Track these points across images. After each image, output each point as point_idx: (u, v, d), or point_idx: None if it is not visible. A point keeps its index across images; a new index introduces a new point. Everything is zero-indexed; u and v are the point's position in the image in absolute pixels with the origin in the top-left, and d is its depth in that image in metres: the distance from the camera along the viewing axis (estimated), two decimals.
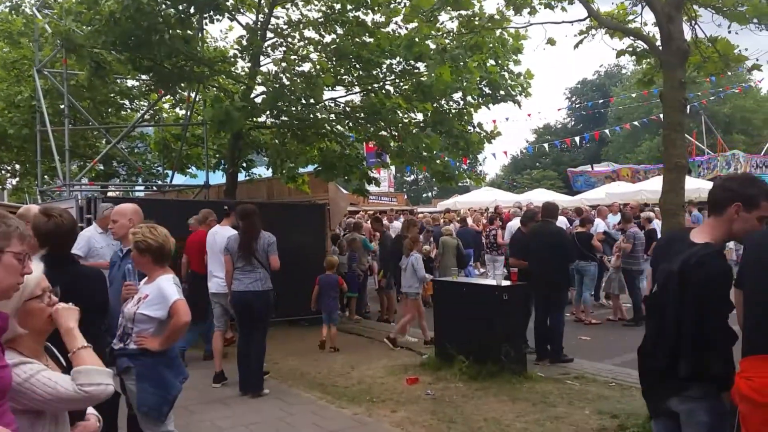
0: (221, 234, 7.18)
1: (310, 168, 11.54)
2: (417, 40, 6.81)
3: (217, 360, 7.15)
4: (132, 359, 3.79)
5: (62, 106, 11.95)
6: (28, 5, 16.35)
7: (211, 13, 9.59)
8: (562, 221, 13.55)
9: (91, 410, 2.47)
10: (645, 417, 5.17)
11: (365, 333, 9.82)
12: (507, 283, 7.18)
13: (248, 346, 6.65)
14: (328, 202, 11.49)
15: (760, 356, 2.40)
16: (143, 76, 11.68)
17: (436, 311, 7.93)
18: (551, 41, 6.91)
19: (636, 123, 30.73)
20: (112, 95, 14.52)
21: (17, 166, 20.95)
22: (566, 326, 10.07)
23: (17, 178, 23.26)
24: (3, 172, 23.18)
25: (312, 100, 9.64)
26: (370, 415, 5.76)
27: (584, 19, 6.31)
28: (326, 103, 10.58)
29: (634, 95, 31.99)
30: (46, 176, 14.00)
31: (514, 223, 13.73)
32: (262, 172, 14.69)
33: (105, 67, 9.88)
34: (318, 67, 10.31)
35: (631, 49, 6.97)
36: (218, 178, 13.51)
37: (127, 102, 15.55)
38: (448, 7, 6.56)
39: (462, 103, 10.60)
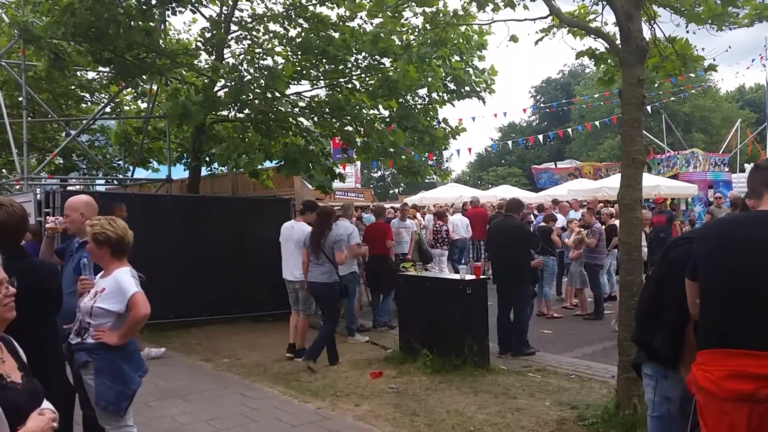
0: (296, 228, 7.99)
1: (272, 164, 11.45)
2: (382, 35, 6.81)
3: (292, 333, 7.93)
4: (90, 353, 3.71)
5: (20, 98, 11.64)
6: None
7: (174, 4, 9.44)
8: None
9: (46, 404, 2.42)
10: (603, 408, 5.30)
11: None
12: (470, 277, 7.24)
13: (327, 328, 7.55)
14: (294, 196, 11.44)
15: (717, 350, 2.46)
16: (104, 68, 11.43)
17: (400, 305, 7.97)
18: (514, 38, 6.96)
19: (597, 123, 31.26)
20: (71, 87, 14.19)
21: None
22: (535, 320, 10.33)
23: None
24: None
25: (276, 93, 9.57)
26: (334, 409, 5.76)
27: (546, 17, 6.37)
28: (290, 97, 10.52)
29: (597, 95, 32.53)
30: (3, 170, 13.65)
31: (456, 218, 14.03)
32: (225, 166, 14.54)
33: (64, 59, 9.66)
34: (281, 61, 10.24)
35: (590, 51, 7.08)
36: (181, 172, 13.33)
37: (87, 94, 15.21)
38: (413, 3, 6.58)
39: (427, 99, 10.65)
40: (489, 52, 11.53)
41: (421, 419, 5.42)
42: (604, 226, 10.78)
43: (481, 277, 7.41)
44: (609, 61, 6.92)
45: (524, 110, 47.94)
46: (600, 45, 6.81)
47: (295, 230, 8.00)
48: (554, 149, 50.96)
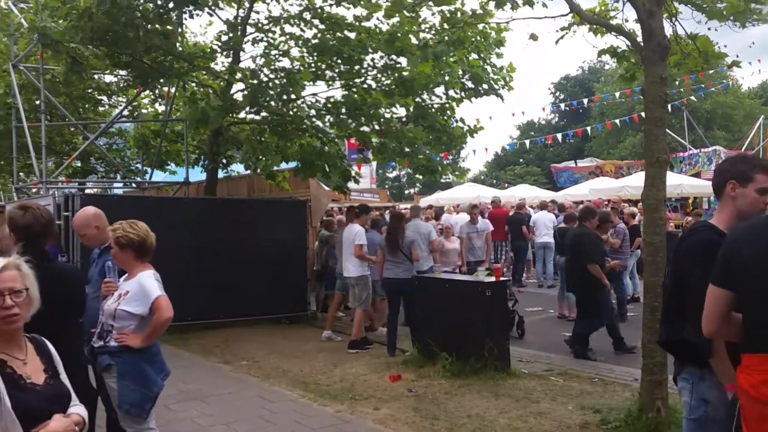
0: (350, 230, 8.70)
1: (288, 165, 11.45)
2: (399, 35, 6.77)
3: (356, 329, 8.57)
4: (113, 356, 3.72)
5: (38, 102, 11.73)
6: (2, 0, 16.04)
7: (191, 7, 9.46)
8: (549, 217, 13.73)
9: (76, 408, 2.44)
10: (626, 411, 5.22)
11: (346, 330, 9.77)
12: (490, 279, 7.17)
13: (396, 317, 8.28)
14: (310, 198, 11.43)
15: (760, 354, 2.41)
16: (121, 72, 11.50)
17: (419, 308, 7.91)
18: (533, 37, 6.88)
19: (617, 122, 30.96)
20: (89, 91, 14.28)
21: None
22: (549, 323, 10.24)
23: None
24: None
25: (292, 96, 9.56)
26: (353, 413, 5.72)
27: (566, 15, 6.29)
28: (306, 98, 10.51)
29: (618, 94, 32.17)
30: (21, 173, 13.77)
31: (461, 217, 14.06)
32: (242, 168, 14.57)
33: (82, 63, 9.73)
34: (297, 63, 10.23)
35: (612, 49, 6.98)
36: (198, 174, 13.37)
37: (105, 98, 15.31)
38: (430, 3, 6.53)
39: (444, 97, 10.58)
40: (507, 49, 11.44)
41: (441, 423, 5.36)
42: (626, 226, 10.64)
43: (501, 279, 7.33)
44: (631, 58, 6.81)
45: (543, 108, 47.60)
46: (621, 42, 6.73)
47: (350, 232, 8.69)
48: (574, 147, 50.46)
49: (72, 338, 3.55)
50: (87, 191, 14.22)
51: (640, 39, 5.48)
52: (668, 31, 5.89)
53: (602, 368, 7.22)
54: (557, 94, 57.90)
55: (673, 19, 6.35)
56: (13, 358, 2.32)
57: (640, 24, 5.36)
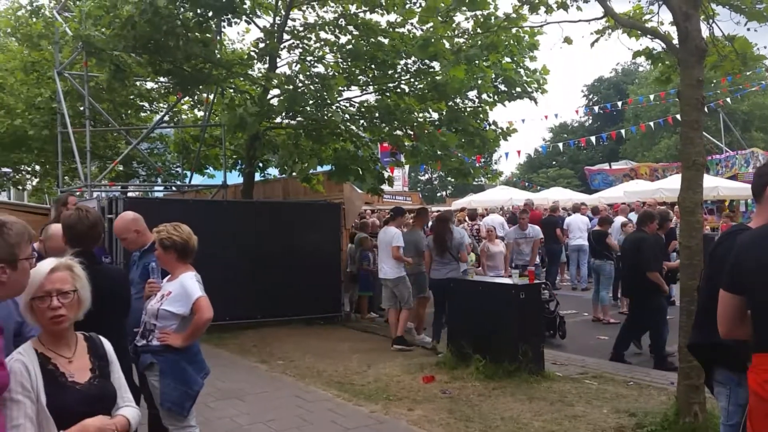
0: (388, 232, 8.95)
1: (323, 168, 11.60)
2: (432, 40, 6.84)
3: (393, 328, 8.78)
4: (155, 355, 3.85)
5: (82, 108, 12.11)
6: (47, 8, 16.60)
7: (229, 16, 9.68)
8: (583, 220, 13.65)
9: (126, 411, 2.46)
10: (662, 415, 5.19)
11: (380, 332, 9.88)
12: (524, 281, 7.18)
13: (442, 316, 8.59)
14: (343, 201, 11.56)
15: (766, 354, 2.47)
16: (162, 79, 11.81)
17: (452, 310, 7.96)
18: (568, 40, 6.88)
19: (651, 124, 30.45)
20: (131, 97, 14.71)
21: (37, 168, 21.27)
22: (583, 326, 10.18)
23: (37, 179, 23.60)
24: (23, 173, 23.55)
25: (327, 101, 9.70)
26: (387, 413, 5.80)
27: (601, 18, 6.28)
28: (341, 103, 10.64)
29: (652, 96, 31.62)
30: (66, 177, 14.21)
31: (492, 218, 14.03)
32: (277, 172, 14.81)
33: (125, 70, 10.01)
34: (331, 70, 10.38)
35: (647, 51, 6.94)
36: (235, 177, 13.64)
37: (146, 104, 15.74)
38: (464, 8, 6.58)
39: (477, 101, 10.60)
40: (540, 52, 11.41)
41: (475, 425, 5.40)
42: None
43: (535, 281, 7.34)
44: (666, 61, 6.77)
45: (576, 111, 47.07)
46: (657, 45, 6.69)
47: (386, 234, 8.96)
48: (608, 149, 49.76)
49: (118, 337, 3.69)
50: (129, 194, 14.61)
51: (675, 41, 5.45)
52: (705, 32, 5.85)
53: (637, 371, 7.17)
54: (590, 96, 57.22)
55: (710, 20, 6.29)
56: (59, 355, 2.36)
57: (676, 26, 5.34)
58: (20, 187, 24.70)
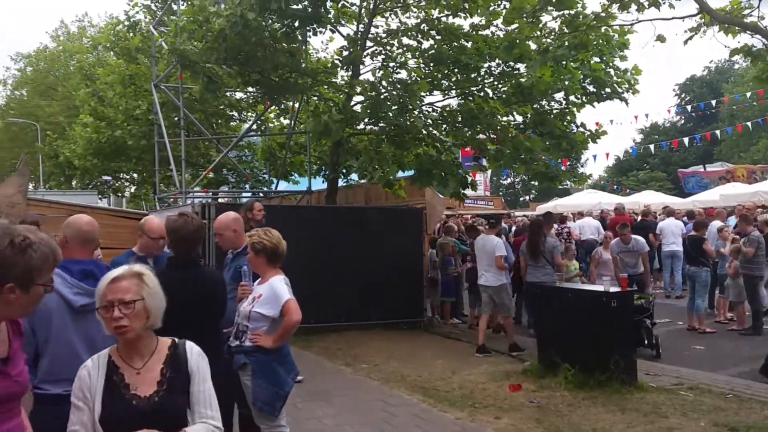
0: (488, 240, 8.88)
1: (405, 173, 11.64)
2: (518, 41, 6.73)
3: (481, 335, 8.74)
4: (248, 356, 3.97)
5: (177, 119, 12.71)
6: (144, 24, 17.57)
7: (315, 25, 9.90)
8: (677, 225, 13.05)
9: (196, 427, 2.28)
10: (766, 430, 4.86)
11: (463, 338, 9.78)
12: (616, 289, 6.93)
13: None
14: (425, 206, 11.55)
15: None
16: (251, 89, 12.21)
17: (540, 318, 7.79)
18: (661, 38, 6.60)
19: (748, 124, 28.72)
20: (221, 107, 15.32)
21: (135, 176, 22.54)
22: (677, 335, 9.71)
23: (135, 187, 25.00)
24: (122, 181, 25.02)
25: (409, 106, 9.74)
26: (473, 420, 5.73)
27: (696, 15, 6.02)
28: (423, 108, 10.65)
29: (749, 94, 29.83)
30: (161, 184, 14.96)
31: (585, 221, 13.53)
32: (358, 177, 15.01)
33: (216, 81, 10.42)
34: (413, 75, 10.41)
35: (746, 48, 6.56)
36: (319, 183, 13.92)
37: (235, 113, 16.35)
38: (550, 7, 6.45)
39: (564, 102, 10.34)
40: (630, 51, 10.92)
41: None
42: (761, 234, 9.88)
43: (627, 289, 7.07)
44: (767, 58, 6.38)
45: (668, 110, 45.08)
46: (757, 41, 6.32)
47: (487, 242, 8.88)
48: (702, 151, 47.32)
49: (214, 336, 3.84)
50: (219, 200, 15.19)
51: None
52: None
53: (737, 383, 6.76)
54: (682, 95, 54.67)
55: None
56: (128, 366, 2.29)
57: None
58: (119, 194, 26.25)
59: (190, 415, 2.30)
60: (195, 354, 2.40)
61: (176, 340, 2.42)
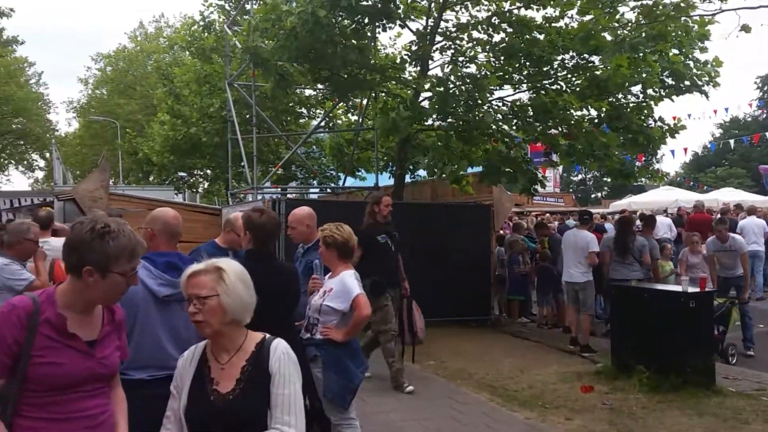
0: (581, 236, 8.76)
1: (473, 169, 11.50)
2: (593, 32, 6.51)
3: (574, 326, 8.92)
4: (318, 348, 4.04)
5: (248, 116, 13.02)
6: (218, 24, 18.09)
7: (384, 21, 9.93)
8: (759, 223, 12.41)
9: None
10: None
11: (532, 337, 9.62)
12: (694, 289, 6.65)
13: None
14: (493, 202, 11.40)
15: None
16: (320, 86, 12.36)
17: (614, 318, 7.56)
18: (746, 28, 6.26)
19: None
20: (291, 104, 15.59)
21: (208, 172, 23.27)
22: (758, 339, 9.22)
23: (208, 183, 25.83)
24: (197, 177, 25.90)
25: (478, 101, 9.63)
26: (544, 421, 5.63)
27: None
28: (492, 103, 10.50)
29: None
30: (233, 180, 15.38)
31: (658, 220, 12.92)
32: (425, 173, 14.95)
33: (288, 79, 10.61)
34: (483, 69, 10.27)
35: None
36: (386, 180, 13.97)
37: (304, 110, 16.62)
38: None
39: (641, 96, 9.96)
40: (711, 41, 10.34)
41: None
42: None
43: (707, 290, 6.77)
44: None
45: (749, 104, 42.84)
46: None
47: (579, 238, 8.77)
48: None
49: (288, 329, 3.92)
50: (288, 196, 15.48)
51: None
52: None
53: None
54: (765, 88, 51.77)
55: None
56: (215, 360, 2.27)
57: None
58: (194, 190, 27.17)
59: (269, 418, 2.19)
60: (279, 353, 2.26)
61: (266, 336, 2.32)
